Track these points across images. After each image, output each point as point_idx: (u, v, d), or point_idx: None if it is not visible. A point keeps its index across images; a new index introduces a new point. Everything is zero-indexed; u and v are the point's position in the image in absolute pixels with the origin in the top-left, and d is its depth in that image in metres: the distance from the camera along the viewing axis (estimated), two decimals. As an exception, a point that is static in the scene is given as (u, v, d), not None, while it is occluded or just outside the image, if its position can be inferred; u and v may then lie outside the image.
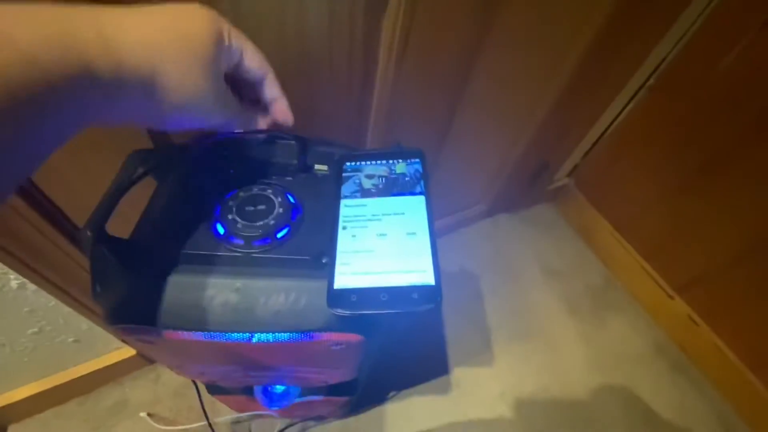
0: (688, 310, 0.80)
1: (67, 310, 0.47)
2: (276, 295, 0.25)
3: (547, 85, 0.58)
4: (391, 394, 0.67)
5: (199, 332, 0.25)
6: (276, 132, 0.30)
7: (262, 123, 0.28)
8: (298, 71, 0.37)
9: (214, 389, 0.45)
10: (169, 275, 0.24)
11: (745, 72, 0.62)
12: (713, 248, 0.74)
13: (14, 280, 0.39)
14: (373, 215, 0.28)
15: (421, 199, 0.29)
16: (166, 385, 0.64)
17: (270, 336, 0.25)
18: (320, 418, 0.62)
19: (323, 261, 0.27)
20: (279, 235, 0.26)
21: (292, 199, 0.28)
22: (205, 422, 0.60)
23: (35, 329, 0.48)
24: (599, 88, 0.69)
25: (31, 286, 0.41)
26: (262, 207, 0.27)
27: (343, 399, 0.48)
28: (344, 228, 0.27)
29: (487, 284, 0.85)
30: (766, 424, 0.73)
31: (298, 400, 0.44)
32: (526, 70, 0.52)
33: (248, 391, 0.43)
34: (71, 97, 0.16)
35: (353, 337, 0.27)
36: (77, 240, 0.29)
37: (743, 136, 0.65)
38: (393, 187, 0.29)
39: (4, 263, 0.37)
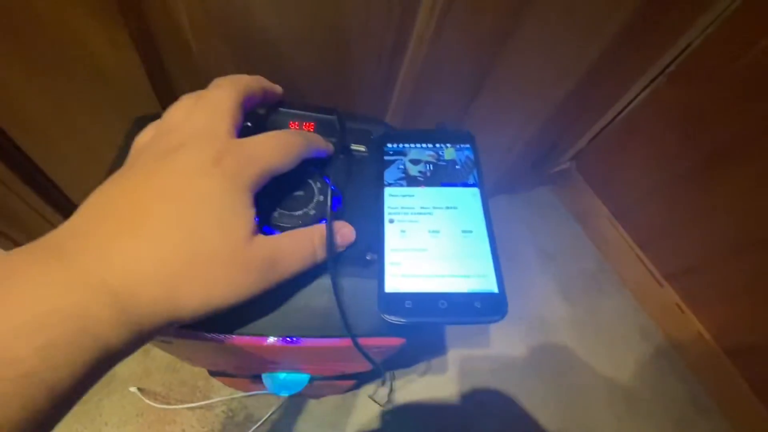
0: (677, 298, 0.83)
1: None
2: (317, 295, 0.22)
3: (578, 59, 0.55)
4: (389, 373, 0.66)
5: (230, 335, 0.22)
6: (314, 103, 0.26)
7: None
8: (330, 33, 0.32)
9: (216, 372, 0.43)
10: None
11: (766, 67, 0.60)
12: (711, 240, 0.75)
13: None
14: (423, 208, 0.25)
15: (476, 191, 0.26)
16: (156, 359, 0.61)
17: (308, 340, 0.22)
18: (318, 395, 0.61)
19: (367, 258, 0.24)
20: (320, 227, 0.23)
21: (331, 186, 0.25)
22: (199, 399, 0.58)
23: None
24: (624, 69, 0.66)
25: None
26: (300, 193, 0.24)
27: (352, 382, 0.47)
28: (391, 221, 0.24)
29: (485, 265, 0.85)
30: (735, 406, 0.78)
31: (306, 384, 0.42)
32: (563, 39, 0.49)
33: (256, 376, 0.41)
34: (95, 374, 0.14)
35: (396, 341, 0.25)
36: None
37: (755, 132, 0.65)
38: (442, 176, 0.26)
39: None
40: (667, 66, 0.72)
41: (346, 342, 0.23)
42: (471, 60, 0.44)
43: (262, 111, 0.27)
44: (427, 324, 0.21)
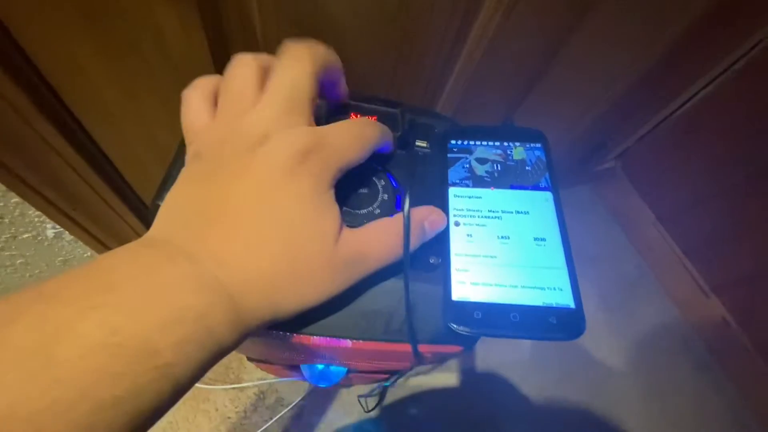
0: (723, 310, 0.78)
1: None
2: (379, 297, 0.21)
3: (643, 55, 0.51)
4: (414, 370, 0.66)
5: (288, 332, 0.21)
6: (378, 97, 0.25)
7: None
8: (395, 21, 0.31)
9: (255, 359, 0.43)
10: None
11: None
12: (764, 253, 0.70)
13: (51, 229, 0.36)
14: (491, 211, 0.23)
15: (548, 196, 0.24)
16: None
17: (366, 343, 0.22)
18: (349, 385, 0.62)
19: (431, 261, 0.22)
20: (384, 226, 0.22)
21: (394, 183, 0.24)
22: (232, 381, 0.60)
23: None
24: (689, 64, 0.61)
25: (68, 236, 0.37)
26: (364, 191, 0.22)
27: (386, 375, 0.47)
28: (457, 224, 0.23)
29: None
30: (781, 428, 0.74)
31: (342, 377, 0.42)
32: (630, 34, 0.46)
33: (295, 367, 0.41)
34: (207, 369, 0.15)
35: (454, 348, 0.24)
36: (144, 215, 0.25)
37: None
38: (512, 177, 0.25)
39: (44, 212, 0.33)
40: (735, 62, 0.66)
41: (404, 347, 0.22)
42: (532, 55, 0.42)
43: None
44: (495, 336, 0.20)
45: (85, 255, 0.41)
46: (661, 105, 0.74)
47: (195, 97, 0.19)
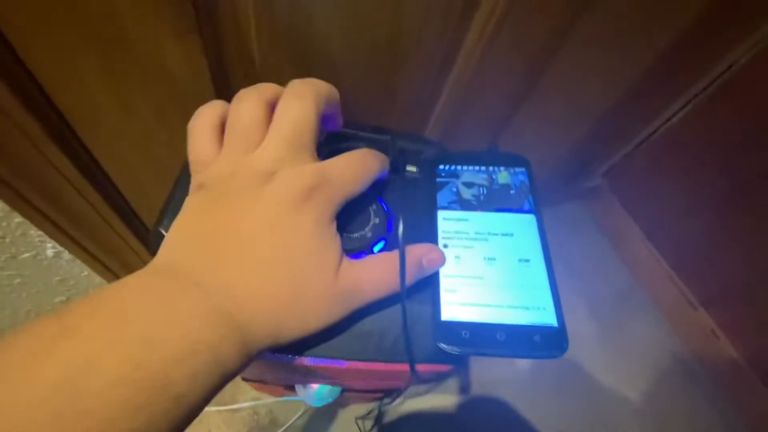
0: (711, 323, 0.80)
1: (98, 280, 0.44)
2: (372, 318, 0.22)
3: (618, 80, 0.54)
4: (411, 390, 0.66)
5: (284, 354, 0.22)
6: (368, 124, 0.26)
7: None
8: (385, 47, 0.32)
9: (249, 379, 0.43)
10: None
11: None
12: (751, 265, 0.72)
13: (51, 249, 0.37)
14: (478, 233, 0.25)
15: (531, 219, 0.25)
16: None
17: (362, 363, 0.22)
18: (345, 404, 0.61)
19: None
20: (376, 249, 0.23)
21: (385, 208, 0.25)
22: (227, 402, 0.59)
23: (63, 297, 0.45)
24: (670, 83, 0.64)
25: (67, 255, 0.38)
26: (357, 215, 0.24)
27: (380, 394, 0.47)
28: (445, 246, 0.24)
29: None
30: (773, 439, 0.74)
31: (337, 396, 0.42)
32: (602, 62, 0.48)
33: (290, 387, 0.41)
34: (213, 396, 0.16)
35: (444, 367, 0.24)
36: (148, 240, 0.26)
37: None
38: (497, 201, 0.26)
39: (46, 232, 0.34)
40: (708, 86, 0.70)
41: (397, 367, 0.23)
42: (520, 71, 0.44)
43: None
44: (483, 355, 0.21)
45: (83, 274, 0.42)
46: (642, 125, 0.77)
47: (201, 129, 0.20)
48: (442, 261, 0.22)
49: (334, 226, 0.19)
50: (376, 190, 0.25)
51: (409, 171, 0.28)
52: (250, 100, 0.19)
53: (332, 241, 0.19)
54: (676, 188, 0.81)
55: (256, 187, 0.18)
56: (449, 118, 0.44)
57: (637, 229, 0.89)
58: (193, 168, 0.20)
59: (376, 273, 0.20)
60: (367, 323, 0.22)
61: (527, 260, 0.23)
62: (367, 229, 0.23)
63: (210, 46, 0.27)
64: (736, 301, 0.76)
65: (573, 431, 0.71)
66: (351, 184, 0.20)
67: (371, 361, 0.23)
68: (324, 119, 0.22)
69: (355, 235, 0.23)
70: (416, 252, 0.21)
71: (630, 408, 0.74)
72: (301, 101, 0.19)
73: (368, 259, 0.20)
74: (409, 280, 0.21)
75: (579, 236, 0.94)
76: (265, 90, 0.20)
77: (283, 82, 0.21)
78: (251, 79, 0.31)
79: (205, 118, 0.20)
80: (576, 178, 0.89)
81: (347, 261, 0.19)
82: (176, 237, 0.18)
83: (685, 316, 0.83)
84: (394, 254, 0.20)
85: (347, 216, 0.23)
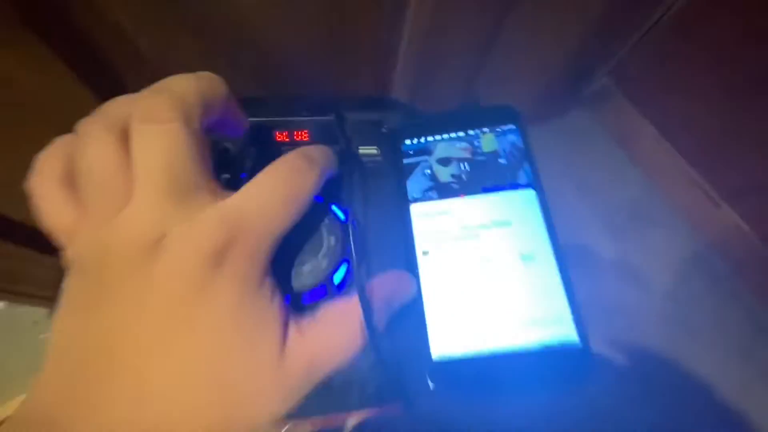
0: (736, 218, 0.75)
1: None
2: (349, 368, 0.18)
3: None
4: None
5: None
6: (301, 96, 0.20)
7: None
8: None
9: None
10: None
11: None
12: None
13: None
14: (464, 229, 0.19)
15: (532, 195, 0.20)
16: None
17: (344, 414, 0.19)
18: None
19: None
20: (337, 279, 0.18)
21: (340, 217, 0.19)
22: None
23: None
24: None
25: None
26: (304, 240, 0.18)
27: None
28: (425, 253, 0.19)
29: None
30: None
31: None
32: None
33: None
34: None
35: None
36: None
37: None
38: (484, 178, 0.20)
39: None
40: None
41: (390, 408, 0.19)
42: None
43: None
44: (489, 396, 0.16)
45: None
46: (645, 15, 0.66)
47: (47, 189, 0.14)
48: (413, 288, 0.18)
49: (268, 281, 0.14)
50: (326, 197, 0.19)
51: (366, 154, 0.21)
52: (95, 138, 0.13)
53: (267, 313, 0.14)
54: (689, 80, 0.72)
55: (143, 264, 0.12)
56: (417, 62, 0.36)
57: (652, 128, 0.81)
58: (55, 239, 0.15)
59: (335, 338, 0.15)
60: (347, 372, 0.18)
61: (531, 256, 0.18)
62: (320, 256, 0.18)
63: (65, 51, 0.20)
64: (762, 191, 0.70)
65: (594, 346, 0.71)
66: (279, 217, 0.14)
67: (358, 411, 0.19)
68: (215, 125, 0.15)
69: (307, 267, 0.18)
70: (383, 291, 0.16)
71: (655, 315, 0.73)
72: (160, 126, 0.13)
73: (319, 318, 0.15)
74: (378, 324, 0.16)
75: (588, 148, 0.87)
76: (112, 114, 0.14)
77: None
78: (140, 68, 0.24)
79: (45, 174, 0.14)
80: (580, 80, 0.79)
81: (294, 329, 0.14)
82: (53, 359, 0.13)
83: (708, 215, 0.78)
84: (352, 302, 0.15)
85: (290, 246, 0.18)
